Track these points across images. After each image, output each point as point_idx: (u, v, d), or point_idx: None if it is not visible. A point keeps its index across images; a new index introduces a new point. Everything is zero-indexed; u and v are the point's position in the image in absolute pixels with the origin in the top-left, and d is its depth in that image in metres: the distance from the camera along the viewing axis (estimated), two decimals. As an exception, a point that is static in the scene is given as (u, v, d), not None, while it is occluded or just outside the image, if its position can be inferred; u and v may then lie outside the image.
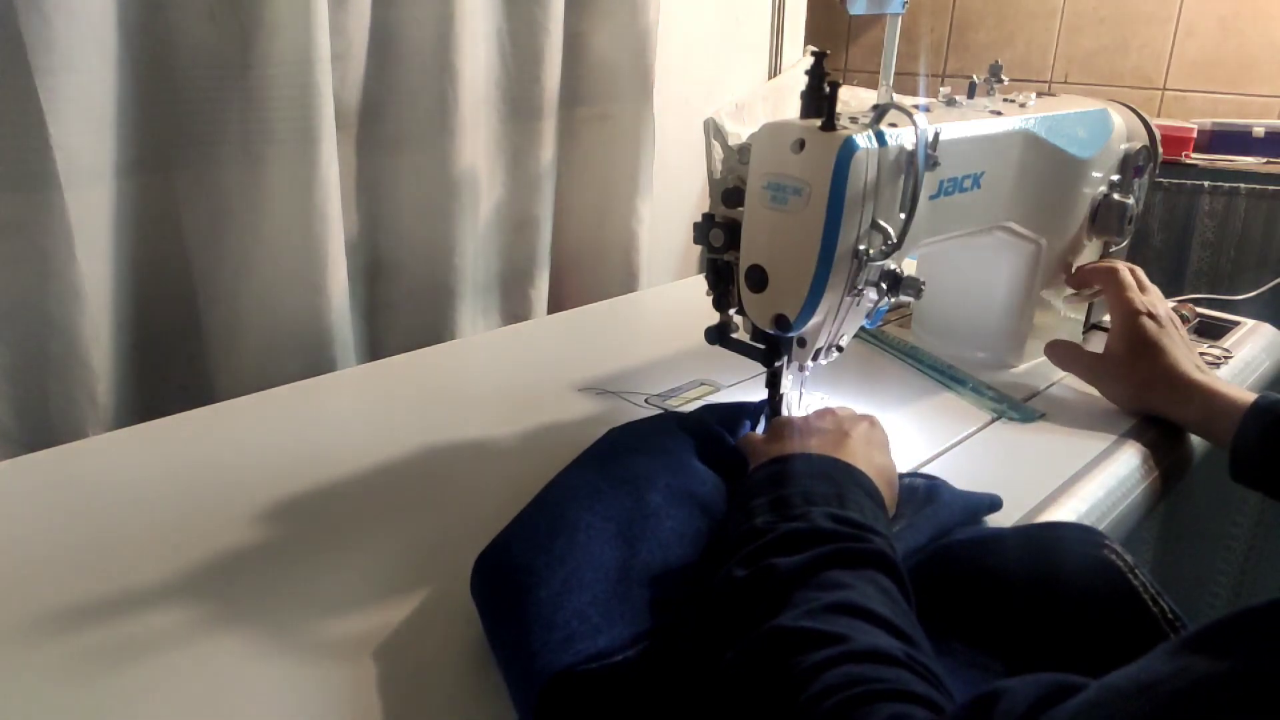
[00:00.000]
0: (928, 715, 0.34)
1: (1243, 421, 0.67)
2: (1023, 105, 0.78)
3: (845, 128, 0.58)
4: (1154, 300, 0.79)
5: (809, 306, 0.60)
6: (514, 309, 1.23)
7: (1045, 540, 0.52)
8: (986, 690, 0.32)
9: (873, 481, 0.53)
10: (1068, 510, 0.64)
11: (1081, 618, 0.48)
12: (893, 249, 0.61)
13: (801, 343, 0.66)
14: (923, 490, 0.61)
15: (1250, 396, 0.69)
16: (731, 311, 0.70)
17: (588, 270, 1.31)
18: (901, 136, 0.59)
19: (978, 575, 0.51)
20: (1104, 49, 2.11)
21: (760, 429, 0.69)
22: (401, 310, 1.11)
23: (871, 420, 0.63)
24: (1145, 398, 0.76)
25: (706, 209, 0.71)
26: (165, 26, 0.83)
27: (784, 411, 0.70)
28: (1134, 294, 0.78)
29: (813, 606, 0.40)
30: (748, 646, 0.40)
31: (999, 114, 0.74)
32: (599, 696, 0.42)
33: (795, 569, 0.42)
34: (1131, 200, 0.87)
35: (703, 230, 0.67)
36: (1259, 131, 1.76)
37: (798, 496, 0.49)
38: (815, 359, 0.67)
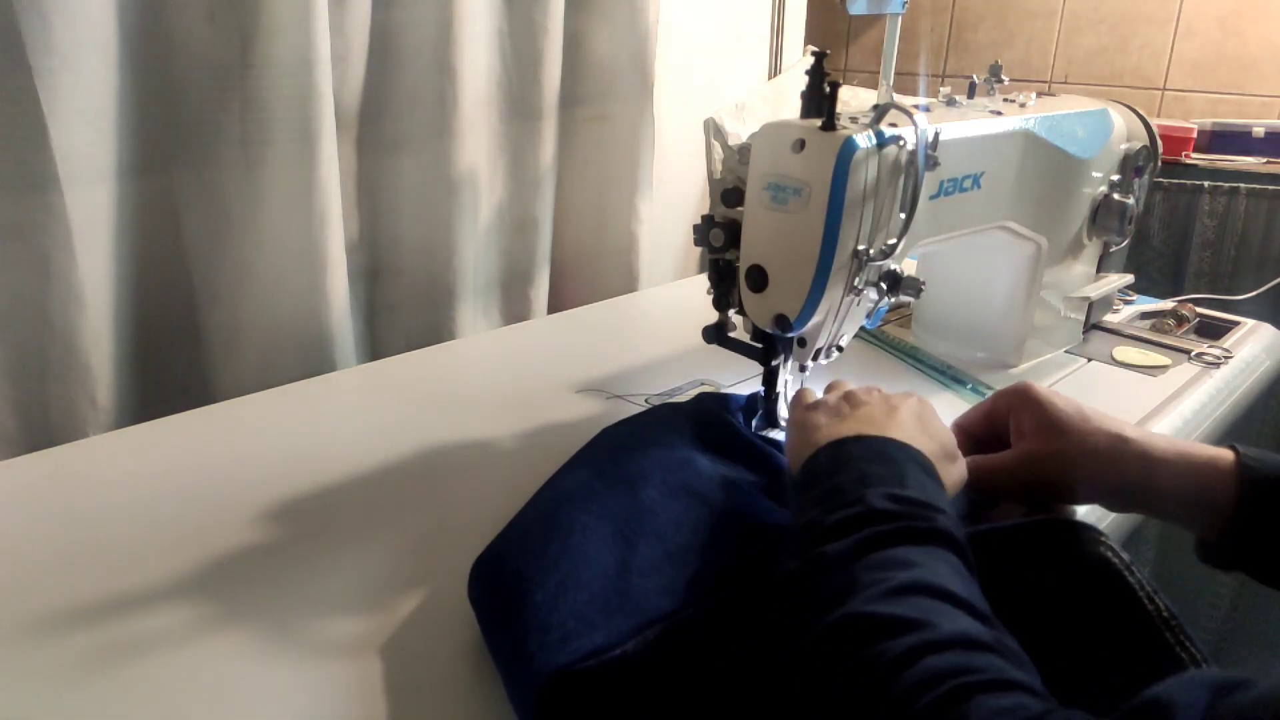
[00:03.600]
0: (1037, 703, 0.31)
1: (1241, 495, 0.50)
2: (1023, 105, 0.78)
3: (845, 128, 0.58)
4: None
5: (809, 306, 0.60)
6: (514, 309, 1.23)
7: (1043, 535, 0.51)
8: (1144, 700, 0.30)
9: (930, 460, 0.49)
10: (1068, 510, 0.63)
11: (1077, 613, 0.48)
12: (893, 249, 0.61)
13: (802, 343, 0.66)
14: None
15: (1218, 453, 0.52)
16: (731, 311, 0.70)
17: (588, 270, 1.31)
18: (901, 136, 0.59)
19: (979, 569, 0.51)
20: (1104, 49, 2.11)
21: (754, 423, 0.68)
22: (401, 311, 1.10)
23: (917, 395, 0.58)
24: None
25: (706, 209, 0.71)
26: (165, 28, 0.83)
27: (782, 410, 0.70)
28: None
29: (881, 588, 0.37)
30: (814, 639, 0.37)
31: (999, 114, 0.74)
32: (597, 693, 0.42)
33: (850, 549, 0.40)
34: (1131, 200, 0.87)
35: (703, 231, 0.67)
36: (1259, 131, 1.76)
37: (852, 483, 0.45)
38: (815, 359, 0.67)
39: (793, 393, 0.70)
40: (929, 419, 0.56)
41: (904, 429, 0.52)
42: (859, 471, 0.46)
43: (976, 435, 0.62)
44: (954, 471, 0.54)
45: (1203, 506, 0.51)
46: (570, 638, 0.43)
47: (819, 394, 0.61)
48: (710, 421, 0.64)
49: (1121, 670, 0.45)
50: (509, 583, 0.48)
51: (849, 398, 0.57)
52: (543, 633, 0.44)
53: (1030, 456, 0.56)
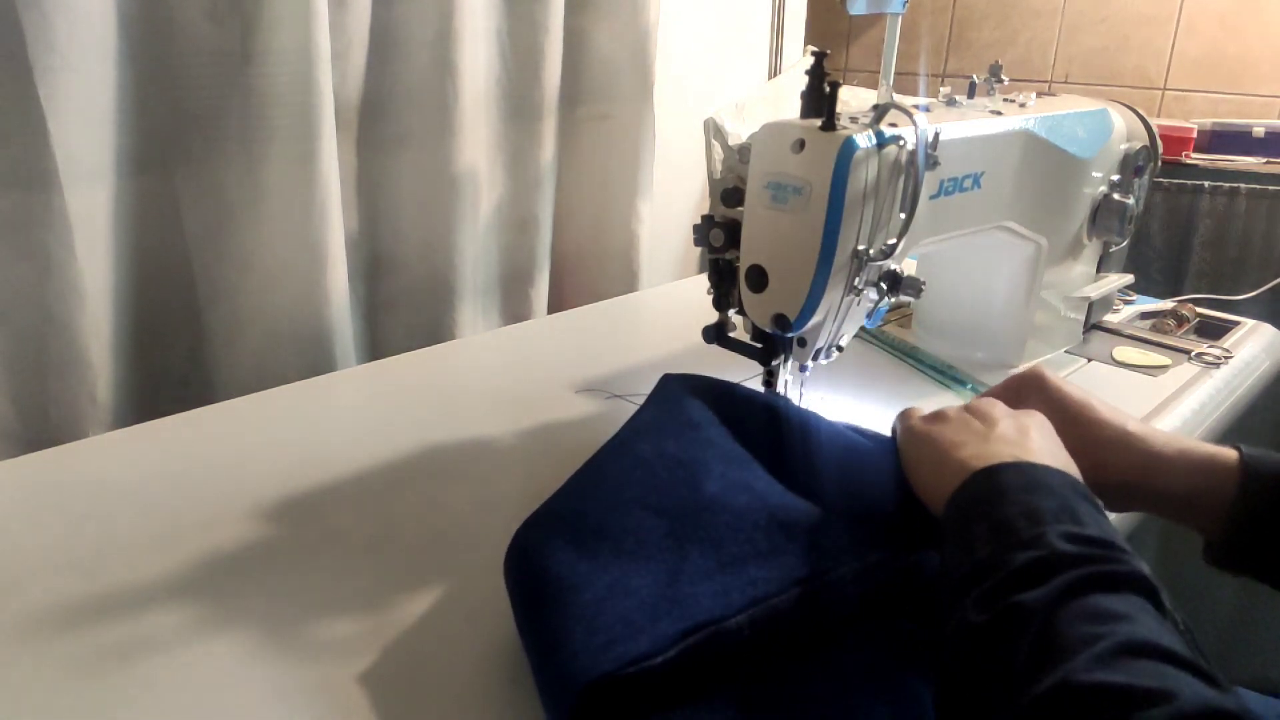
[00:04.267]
0: None
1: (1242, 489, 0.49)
2: (1023, 105, 0.78)
3: (845, 128, 0.58)
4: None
5: (809, 306, 0.60)
6: (514, 309, 1.23)
7: None
8: None
9: (1085, 487, 0.45)
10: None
11: None
12: (893, 249, 0.61)
13: (802, 342, 0.66)
14: None
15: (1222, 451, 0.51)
16: (731, 311, 0.70)
17: (588, 270, 1.31)
18: (901, 136, 0.59)
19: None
20: (1104, 49, 2.11)
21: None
22: (401, 309, 1.11)
23: (1039, 414, 0.53)
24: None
25: (706, 209, 0.71)
26: (165, 24, 0.83)
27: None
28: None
29: (1098, 649, 0.33)
30: (1029, 706, 0.32)
31: (999, 114, 0.74)
32: (635, 696, 0.42)
33: (1048, 601, 0.36)
34: (1131, 200, 0.87)
35: (703, 231, 0.67)
36: (1259, 131, 1.75)
37: (1021, 518, 0.41)
38: (815, 359, 0.67)
39: (794, 394, 0.70)
40: (1057, 441, 0.51)
41: (1042, 453, 0.48)
42: (1024, 505, 0.42)
43: None
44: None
45: (1203, 504, 0.50)
46: (615, 643, 0.43)
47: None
48: (757, 408, 0.61)
49: None
50: (557, 571, 0.47)
51: (973, 411, 0.53)
52: (588, 634, 0.43)
53: None
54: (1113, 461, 0.52)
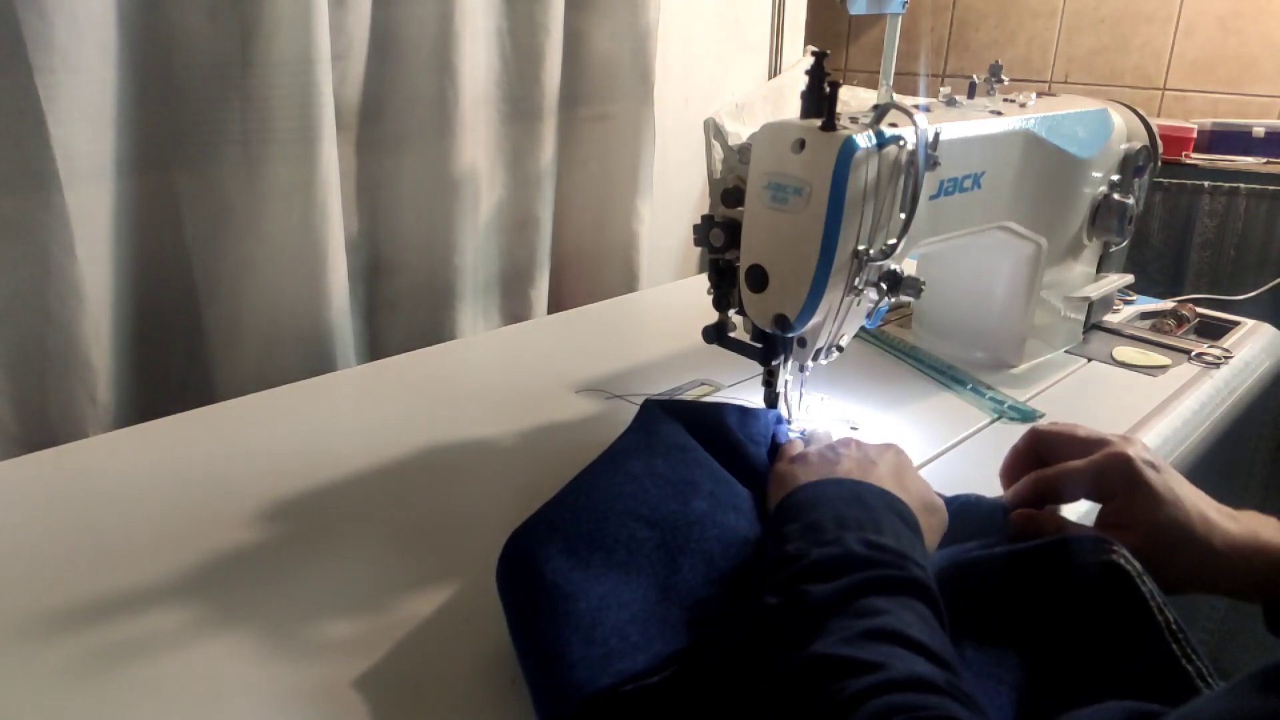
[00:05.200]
0: None
1: None
2: (1023, 105, 0.78)
3: (845, 128, 0.58)
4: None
5: (809, 306, 0.60)
6: (514, 309, 1.23)
7: (1065, 548, 0.51)
8: None
9: (909, 507, 0.51)
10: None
11: (1092, 621, 0.48)
12: (893, 249, 0.61)
13: (802, 343, 0.66)
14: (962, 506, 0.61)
15: None
16: (731, 311, 0.70)
17: (588, 270, 1.31)
18: (902, 136, 0.59)
19: (996, 584, 0.51)
20: (1104, 49, 2.11)
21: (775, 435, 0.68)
22: (402, 310, 1.11)
23: (896, 448, 0.59)
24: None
25: (706, 209, 0.71)
26: (166, 26, 0.83)
27: (782, 410, 0.70)
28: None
29: (848, 633, 0.39)
30: (783, 674, 0.39)
31: (999, 114, 0.74)
32: (633, 713, 0.42)
33: (829, 596, 0.41)
34: (1131, 200, 0.87)
35: (703, 231, 0.67)
36: (1259, 131, 1.75)
37: (830, 521, 0.47)
38: (815, 359, 0.67)
39: (794, 394, 0.70)
40: (906, 472, 0.57)
41: (883, 482, 0.53)
42: (835, 511, 0.48)
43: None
44: (934, 521, 0.55)
45: (1269, 588, 0.51)
46: (613, 657, 0.43)
47: (803, 445, 0.63)
48: (732, 445, 0.63)
49: (1129, 680, 0.46)
50: (552, 578, 0.47)
51: (830, 450, 0.58)
52: (585, 645, 0.44)
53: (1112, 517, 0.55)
54: (1184, 554, 0.52)
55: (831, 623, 0.40)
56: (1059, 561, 0.50)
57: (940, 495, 0.59)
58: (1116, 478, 0.54)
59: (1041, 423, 0.70)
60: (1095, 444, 0.56)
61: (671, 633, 0.46)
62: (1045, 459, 0.59)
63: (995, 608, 0.50)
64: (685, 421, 0.62)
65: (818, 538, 0.46)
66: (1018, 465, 0.60)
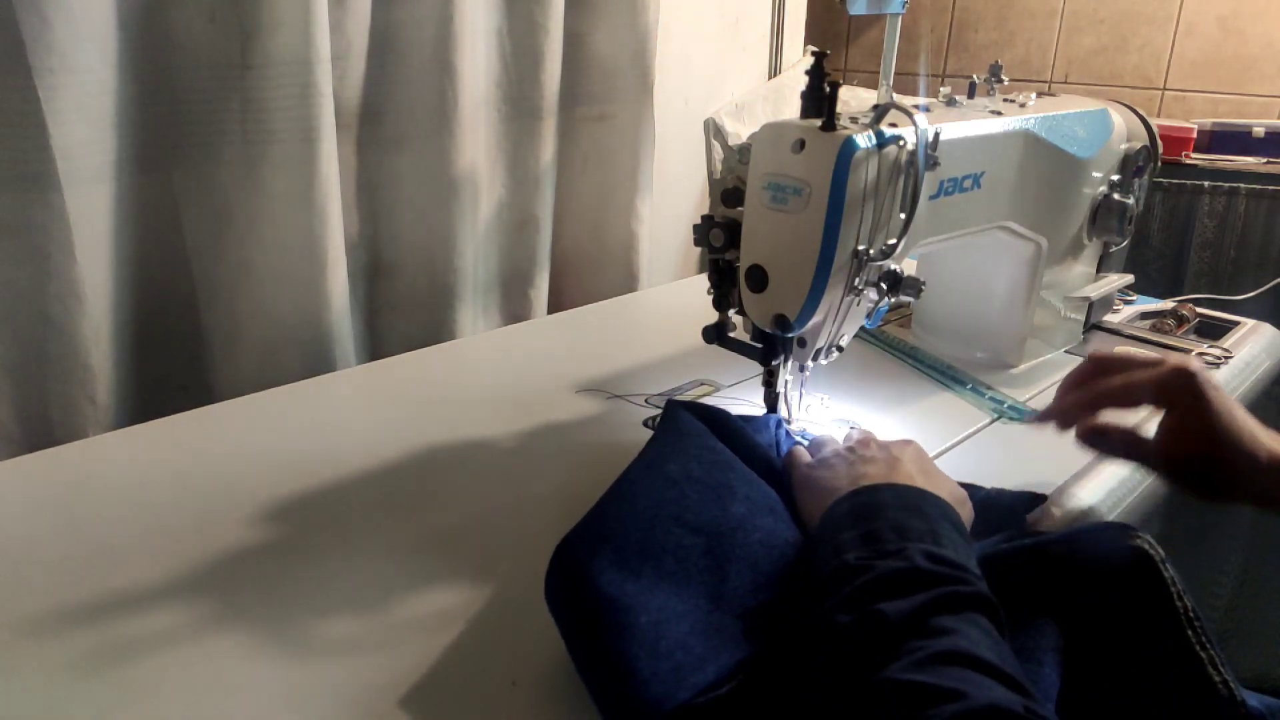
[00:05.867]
0: None
1: None
2: (1023, 105, 0.78)
3: (845, 128, 0.58)
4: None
5: (809, 306, 0.60)
6: (514, 309, 1.23)
7: (1092, 535, 0.53)
8: None
9: (958, 514, 0.51)
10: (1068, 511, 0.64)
11: (1111, 610, 0.49)
12: (893, 249, 0.61)
13: (802, 343, 0.66)
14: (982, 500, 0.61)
15: None
16: (731, 311, 0.70)
17: (588, 270, 1.31)
18: (902, 136, 0.59)
19: (1021, 577, 0.51)
20: (1104, 49, 2.11)
21: (779, 443, 0.67)
22: (401, 310, 1.10)
23: (915, 443, 0.60)
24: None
25: (706, 209, 0.71)
26: (165, 26, 0.83)
27: (782, 410, 0.70)
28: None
29: (920, 656, 0.38)
30: (855, 700, 0.39)
31: (999, 114, 0.74)
32: None
33: (904, 615, 0.41)
34: (1131, 200, 0.87)
35: (703, 231, 0.67)
36: (1259, 131, 1.75)
37: (890, 531, 0.47)
38: (815, 359, 0.67)
39: (795, 394, 0.70)
40: (929, 467, 0.58)
41: (912, 480, 0.54)
42: (895, 521, 0.48)
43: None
44: (964, 513, 0.56)
45: None
46: (683, 670, 0.43)
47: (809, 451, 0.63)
48: (749, 449, 0.63)
49: (1147, 667, 0.46)
50: (608, 591, 0.47)
51: (850, 451, 0.59)
52: (653, 659, 0.44)
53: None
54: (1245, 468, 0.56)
55: (906, 644, 0.39)
56: (1085, 549, 0.51)
57: (962, 485, 0.60)
58: (1181, 388, 0.57)
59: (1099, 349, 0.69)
60: (1156, 361, 0.59)
61: (731, 642, 0.46)
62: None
63: (1022, 601, 0.50)
64: (706, 422, 0.62)
65: (880, 549, 0.46)
66: (1078, 387, 0.63)
